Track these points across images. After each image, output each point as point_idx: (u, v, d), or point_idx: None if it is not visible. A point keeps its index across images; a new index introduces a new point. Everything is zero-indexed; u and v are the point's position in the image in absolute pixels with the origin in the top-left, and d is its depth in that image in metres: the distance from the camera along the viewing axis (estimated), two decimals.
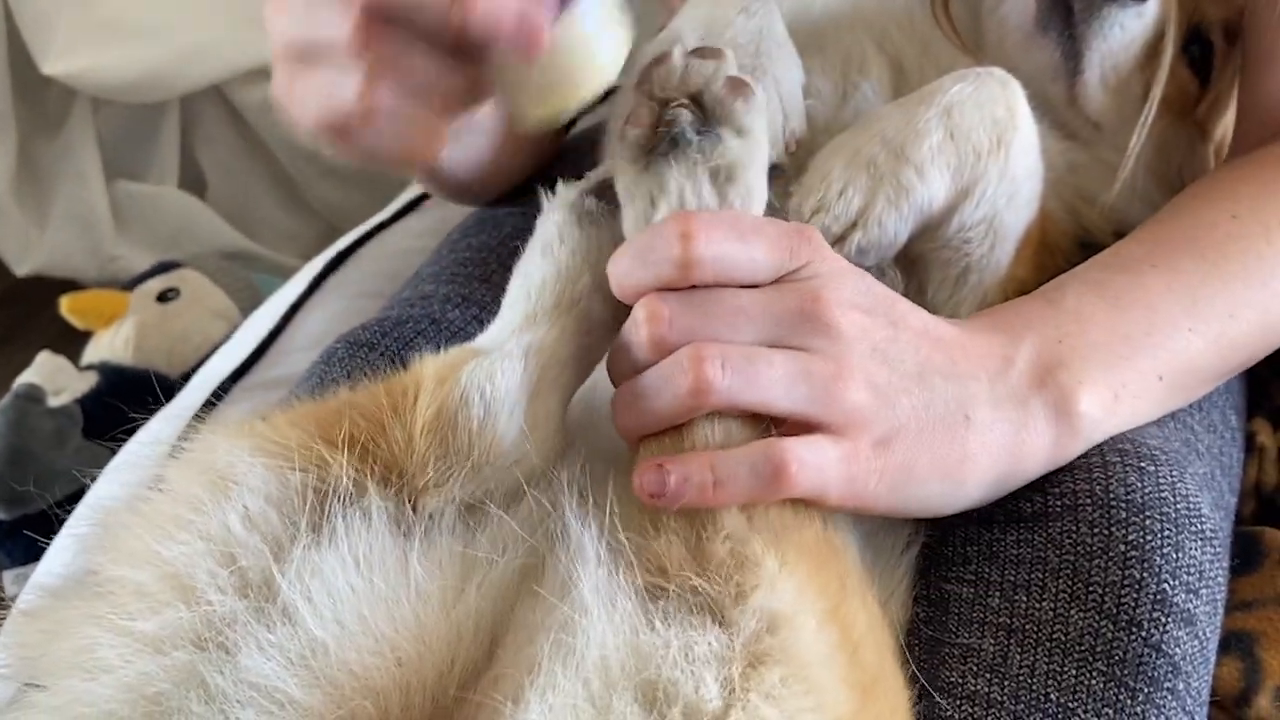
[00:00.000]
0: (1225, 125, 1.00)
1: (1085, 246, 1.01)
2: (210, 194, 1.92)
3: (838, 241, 0.83)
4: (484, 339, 0.67)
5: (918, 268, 0.89)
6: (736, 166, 0.64)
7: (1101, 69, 0.90)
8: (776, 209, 0.75)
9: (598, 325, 0.67)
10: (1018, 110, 0.83)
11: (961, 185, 0.82)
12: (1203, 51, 0.95)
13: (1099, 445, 0.74)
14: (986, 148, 0.82)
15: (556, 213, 0.70)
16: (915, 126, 0.82)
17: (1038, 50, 0.91)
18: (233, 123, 1.88)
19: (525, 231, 1.06)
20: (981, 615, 0.71)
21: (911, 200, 0.82)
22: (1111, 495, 0.71)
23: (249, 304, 1.66)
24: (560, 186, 0.73)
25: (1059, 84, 0.91)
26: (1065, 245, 0.99)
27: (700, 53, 0.65)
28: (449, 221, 1.43)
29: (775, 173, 0.83)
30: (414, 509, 0.55)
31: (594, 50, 0.59)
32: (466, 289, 0.97)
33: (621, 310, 0.65)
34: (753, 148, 0.64)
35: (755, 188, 0.66)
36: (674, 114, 0.63)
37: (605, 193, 0.71)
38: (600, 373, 0.67)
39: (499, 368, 0.62)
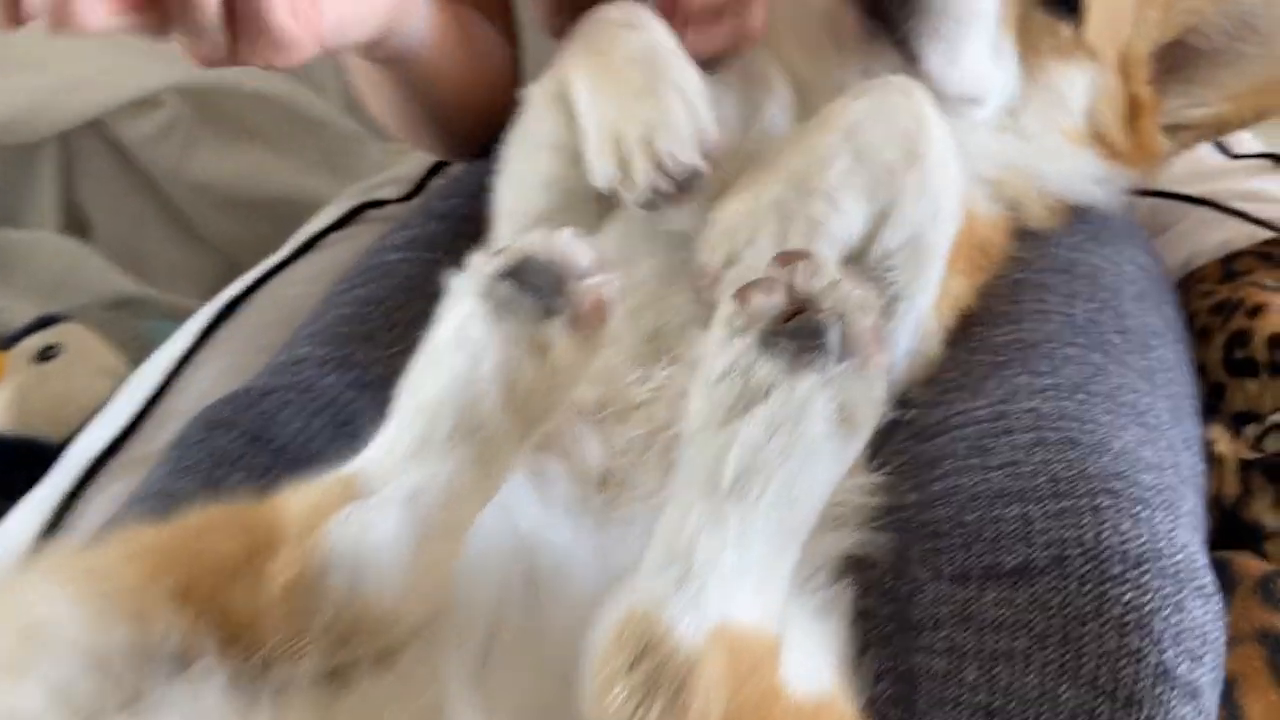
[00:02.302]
0: (1125, 39, 0.95)
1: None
2: (95, 237, 1.79)
3: None
4: (365, 464, 0.57)
5: None
6: (857, 410, 0.56)
7: (944, 51, 0.84)
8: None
9: (503, 449, 0.58)
10: (926, 118, 0.78)
11: (878, 208, 0.77)
12: None
13: (1088, 483, 0.67)
14: (899, 164, 0.76)
15: (462, 302, 0.61)
16: (819, 155, 0.77)
17: (880, 58, 0.85)
18: (117, 158, 1.76)
19: (416, 282, 0.98)
20: (956, 693, 0.63)
21: (827, 233, 0.76)
22: (1104, 545, 0.64)
23: (139, 357, 1.54)
24: (472, 263, 0.65)
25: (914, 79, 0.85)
26: (1001, 241, 0.94)
27: (852, 280, 0.59)
28: (350, 264, 1.34)
29: (696, 182, 0.77)
30: (264, 672, 0.46)
31: None
32: (345, 349, 0.89)
33: (534, 427, 0.58)
34: (873, 410, 0.57)
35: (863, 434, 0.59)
36: (824, 323, 0.56)
37: (522, 274, 0.63)
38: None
39: (376, 520, 0.53)
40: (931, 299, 0.84)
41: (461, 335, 0.60)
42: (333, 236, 1.42)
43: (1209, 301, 1.12)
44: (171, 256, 1.85)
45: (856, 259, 0.79)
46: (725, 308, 0.58)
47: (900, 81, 0.80)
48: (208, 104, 1.78)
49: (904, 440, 0.82)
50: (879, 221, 0.77)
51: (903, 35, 0.84)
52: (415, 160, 1.68)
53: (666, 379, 0.79)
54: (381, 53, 0.99)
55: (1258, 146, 1.39)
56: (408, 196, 1.57)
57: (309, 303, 1.23)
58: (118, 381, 1.51)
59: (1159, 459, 0.74)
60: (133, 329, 1.58)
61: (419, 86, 1.14)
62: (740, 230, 0.77)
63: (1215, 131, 1.02)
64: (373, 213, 1.50)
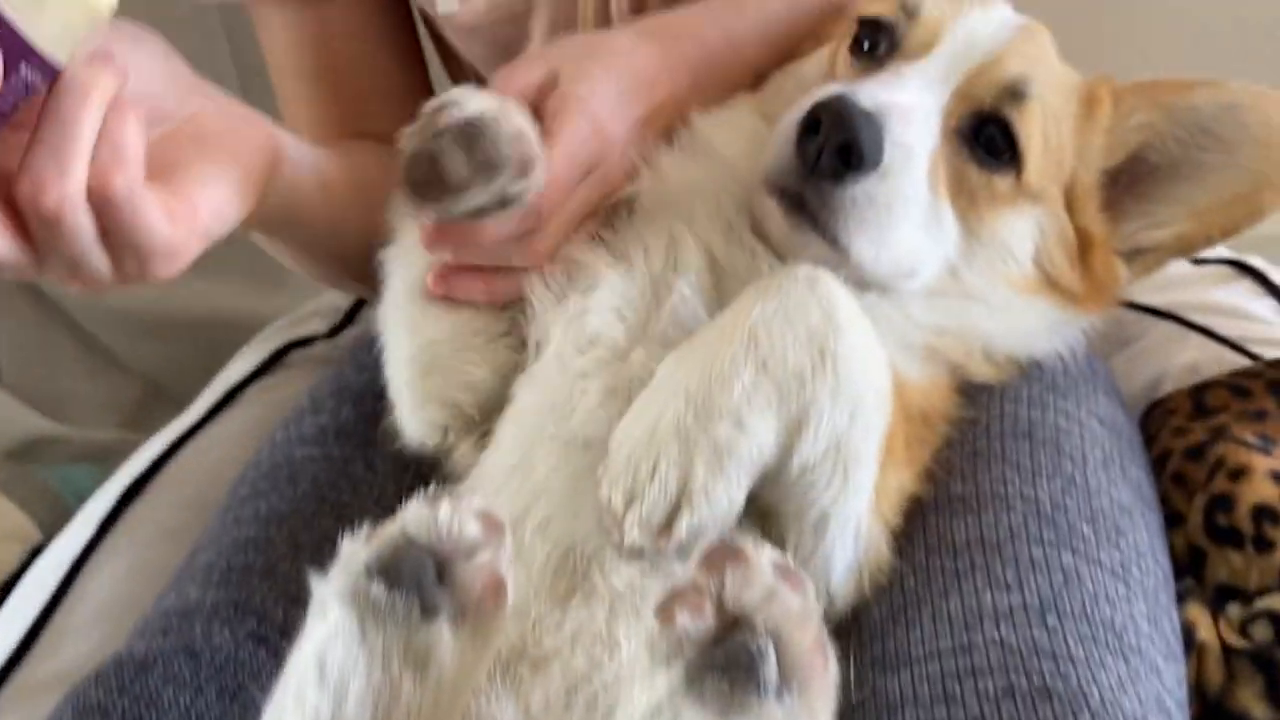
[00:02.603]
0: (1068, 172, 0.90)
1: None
2: (2, 375, 1.69)
3: (664, 530, 0.69)
4: None
5: (769, 522, 0.77)
6: None
7: (870, 238, 0.80)
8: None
9: None
10: (835, 309, 0.72)
11: (790, 419, 0.70)
12: (1002, 130, 0.85)
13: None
14: (809, 367, 0.70)
15: (325, 617, 0.54)
16: (719, 369, 0.71)
17: (803, 247, 0.81)
18: (26, 291, 1.66)
19: (324, 489, 0.90)
20: None
21: (737, 458, 0.69)
22: None
23: (48, 515, 1.45)
24: (340, 556, 0.57)
25: (844, 267, 0.81)
26: (943, 404, 0.88)
27: (789, 580, 0.56)
28: (273, 421, 1.24)
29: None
30: None
31: None
32: (241, 592, 0.80)
33: None
34: None
35: None
36: (760, 648, 0.51)
37: (397, 567, 0.56)
38: None
39: None
40: (867, 504, 0.77)
41: (323, 664, 0.53)
42: (253, 388, 1.33)
43: (1182, 442, 1.06)
44: (86, 388, 1.75)
45: (773, 477, 0.73)
46: (649, 627, 0.51)
47: (805, 272, 0.75)
48: None
49: (864, 665, 0.76)
50: (794, 432, 0.71)
51: (827, 228, 0.79)
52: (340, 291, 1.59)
53: (585, 619, 0.73)
54: (266, 217, 0.94)
55: (1222, 251, 1.34)
56: (334, 331, 1.49)
57: (230, 470, 1.14)
58: (25, 546, 1.42)
59: (1139, 707, 0.68)
60: (39, 484, 1.48)
61: (319, 237, 1.09)
62: (641, 461, 0.70)
63: (1179, 252, 0.95)
64: (297, 354, 1.42)
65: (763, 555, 0.55)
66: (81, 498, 1.52)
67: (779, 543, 0.76)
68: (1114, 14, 1.71)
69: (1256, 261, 1.36)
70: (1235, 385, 1.10)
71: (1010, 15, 0.92)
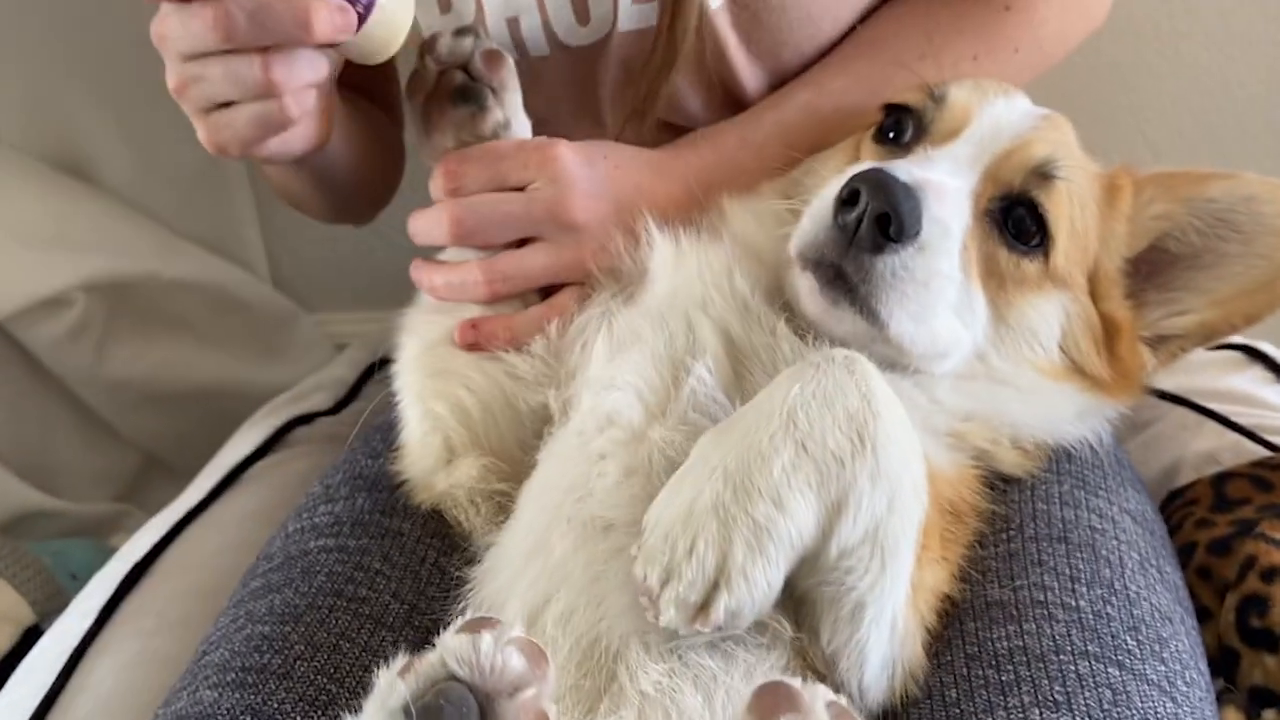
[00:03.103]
0: (1093, 259, 0.90)
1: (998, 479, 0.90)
2: None
3: (701, 611, 0.67)
4: None
5: (804, 609, 0.75)
6: None
7: (908, 312, 0.80)
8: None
9: None
10: (873, 393, 0.71)
11: (830, 501, 0.69)
12: (1031, 211, 0.86)
13: None
14: (849, 450, 0.69)
15: None
16: (759, 448, 0.69)
17: (839, 322, 0.81)
18: (21, 362, 1.63)
19: (340, 583, 0.88)
20: None
21: (776, 539, 0.68)
22: None
23: (40, 594, 1.41)
24: (376, 689, 0.55)
25: (879, 342, 0.81)
26: (973, 498, 0.86)
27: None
28: (277, 503, 1.22)
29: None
30: None
31: (395, 13, 0.87)
32: (258, 696, 0.77)
33: None
34: None
35: None
36: None
37: (439, 712, 0.53)
38: None
39: None
40: (904, 596, 0.75)
41: None
42: (256, 468, 1.30)
43: (1207, 534, 1.05)
44: (81, 460, 1.71)
45: (810, 562, 0.71)
46: None
47: (842, 355, 0.74)
48: (123, 298, 1.67)
49: None
50: (833, 515, 0.70)
51: (866, 301, 0.80)
52: (345, 361, 1.58)
53: None
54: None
55: (1232, 336, 1.34)
56: (338, 406, 1.47)
57: (233, 557, 1.11)
58: (18, 628, 1.38)
59: None
60: (32, 562, 1.44)
61: (328, 176, 1.13)
62: (678, 539, 0.68)
63: (1203, 340, 0.95)
64: (301, 431, 1.40)
65: (816, 697, 0.53)
66: (75, 575, 1.49)
67: (811, 631, 0.75)
68: (1126, 109, 1.74)
69: (1266, 347, 1.35)
70: (1256, 477, 1.10)
71: (1031, 106, 0.93)
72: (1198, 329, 0.94)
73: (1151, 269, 0.93)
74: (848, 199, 0.78)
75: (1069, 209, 0.87)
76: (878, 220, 0.77)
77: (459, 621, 0.57)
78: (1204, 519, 1.07)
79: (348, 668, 0.80)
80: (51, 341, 1.61)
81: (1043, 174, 0.86)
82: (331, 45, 0.85)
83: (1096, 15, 1.15)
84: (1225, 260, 0.91)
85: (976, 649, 0.79)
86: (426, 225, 0.95)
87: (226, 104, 0.84)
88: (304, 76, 0.84)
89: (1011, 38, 1.08)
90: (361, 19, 0.84)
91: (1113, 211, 0.91)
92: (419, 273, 0.97)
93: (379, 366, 1.55)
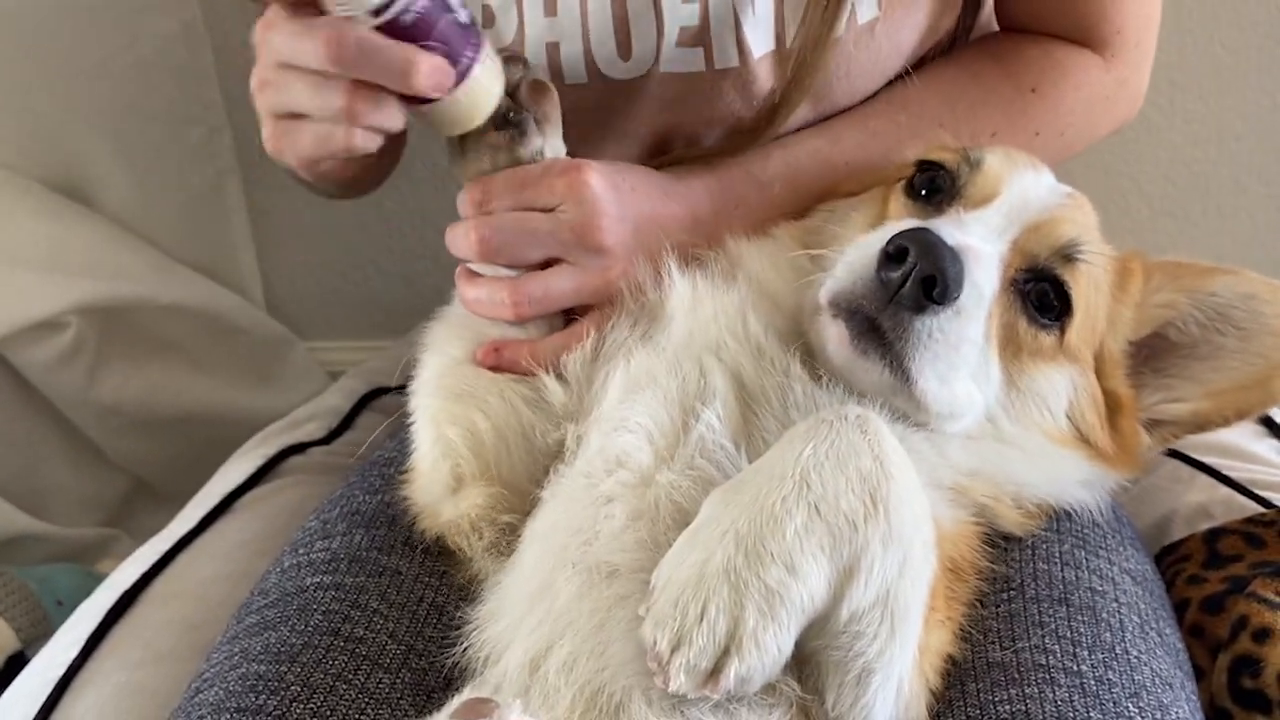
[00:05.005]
0: (1100, 338, 0.92)
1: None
2: None
3: (710, 676, 0.67)
4: None
5: (809, 671, 0.75)
6: None
7: (936, 372, 0.81)
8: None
9: None
10: (886, 453, 0.72)
11: (843, 565, 0.69)
12: (1055, 287, 0.88)
13: None
14: (861, 513, 0.69)
15: None
16: (771, 511, 0.69)
17: (865, 373, 0.82)
18: (13, 385, 1.62)
19: (337, 622, 0.87)
20: None
21: (789, 604, 0.68)
22: None
23: (27, 620, 1.39)
24: None
25: (901, 397, 0.82)
26: (973, 555, 0.87)
27: None
28: (269, 533, 1.21)
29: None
30: None
31: (487, 89, 0.89)
32: None
33: None
34: None
35: None
36: None
37: None
38: None
39: None
40: (911, 659, 0.75)
41: None
42: (247, 497, 1.29)
43: (1199, 592, 1.05)
44: (70, 483, 1.70)
45: (819, 626, 0.71)
46: None
47: (854, 414, 0.75)
48: (117, 322, 1.66)
49: None
50: (844, 580, 0.70)
51: (899, 356, 0.80)
52: (339, 390, 1.57)
53: None
54: None
55: None
56: (331, 436, 1.46)
57: (222, 588, 1.11)
58: (1, 656, 1.36)
59: None
60: (18, 588, 1.42)
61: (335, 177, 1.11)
62: (689, 603, 0.68)
63: (1194, 429, 0.96)
64: (294, 460, 1.39)
65: None
66: (61, 601, 1.47)
67: (816, 692, 0.74)
68: (1121, 159, 1.76)
69: None
70: (1248, 534, 1.10)
71: (1056, 182, 0.95)
72: (1190, 418, 0.95)
73: (1152, 354, 0.95)
74: (894, 255, 0.79)
75: (1087, 290, 0.89)
76: (923, 281, 0.78)
77: (455, 701, 0.56)
78: (1196, 575, 1.08)
79: (344, 710, 0.79)
80: (43, 364, 1.60)
81: (1068, 255, 0.88)
82: (422, 102, 0.86)
83: (1124, 114, 1.18)
84: (1221, 354, 0.93)
85: (978, 712, 0.79)
86: (455, 239, 0.96)
87: (297, 115, 0.86)
88: (382, 120, 0.85)
89: (1034, 120, 1.10)
90: (455, 85, 0.85)
91: (1123, 295, 0.94)
92: (460, 280, 0.97)
93: (373, 396, 1.56)
